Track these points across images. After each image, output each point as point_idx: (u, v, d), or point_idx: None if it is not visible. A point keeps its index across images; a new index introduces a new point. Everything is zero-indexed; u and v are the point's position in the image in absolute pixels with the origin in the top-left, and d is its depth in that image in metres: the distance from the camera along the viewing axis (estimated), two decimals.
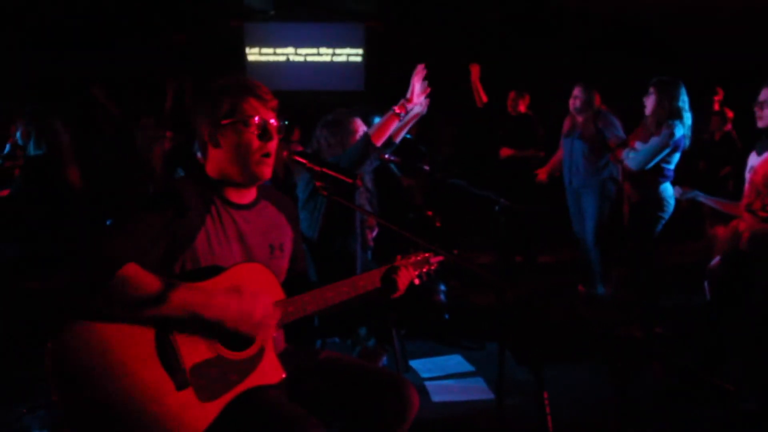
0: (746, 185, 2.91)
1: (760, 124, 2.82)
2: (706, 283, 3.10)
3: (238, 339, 1.57)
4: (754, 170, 2.86)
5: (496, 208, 2.53)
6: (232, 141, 1.65)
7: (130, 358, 1.43)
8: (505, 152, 5.54)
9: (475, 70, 5.53)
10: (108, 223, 1.54)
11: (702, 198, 3.26)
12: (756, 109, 2.83)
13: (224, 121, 1.64)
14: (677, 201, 3.76)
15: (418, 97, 2.72)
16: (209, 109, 1.66)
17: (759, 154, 2.87)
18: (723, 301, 2.99)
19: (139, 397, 1.43)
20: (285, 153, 1.76)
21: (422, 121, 3.05)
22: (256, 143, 1.66)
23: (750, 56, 6.20)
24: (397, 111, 2.72)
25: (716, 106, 5.50)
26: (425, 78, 2.72)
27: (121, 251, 1.43)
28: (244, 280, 1.61)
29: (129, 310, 1.42)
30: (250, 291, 1.56)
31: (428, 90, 2.74)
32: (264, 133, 1.67)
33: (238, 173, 1.67)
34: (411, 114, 2.79)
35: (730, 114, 5.64)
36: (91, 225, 1.56)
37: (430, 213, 4.13)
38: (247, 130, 1.65)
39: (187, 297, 1.47)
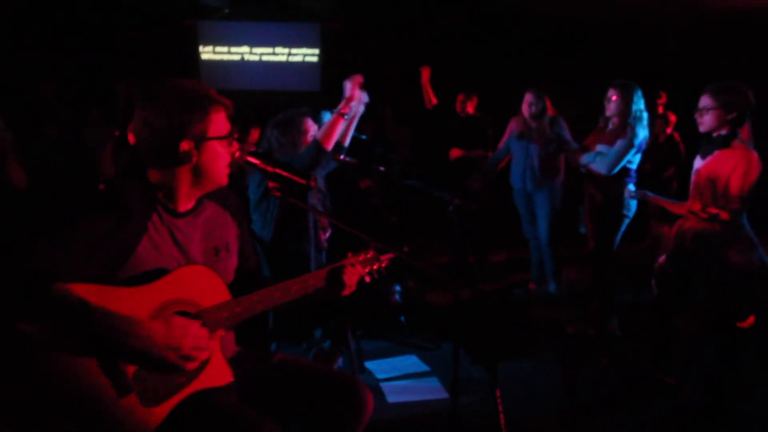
0: (691, 187, 3.02)
1: (702, 129, 2.93)
2: (653, 281, 3.19)
3: (164, 368, 1.49)
4: (697, 173, 2.97)
5: (450, 208, 2.55)
6: (210, 155, 1.62)
7: (66, 368, 1.38)
8: (455, 153, 5.59)
9: (425, 73, 5.58)
10: (48, 225, 1.46)
11: (651, 197, 3.36)
12: (696, 115, 2.93)
13: (209, 138, 1.60)
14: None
15: (355, 93, 2.81)
16: (189, 123, 1.57)
17: (703, 157, 2.98)
18: (669, 297, 3.09)
19: (80, 404, 1.38)
20: (237, 153, 1.71)
21: (377, 121, 3.10)
22: (226, 155, 1.65)
23: (693, 61, 6.45)
24: (342, 111, 2.77)
25: (660, 110, 5.69)
26: (361, 84, 2.83)
27: (52, 269, 1.36)
28: (186, 284, 1.57)
29: (50, 332, 1.36)
30: (180, 322, 1.49)
31: (360, 87, 2.84)
32: (233, 146, 1.67)
33: (202, 183, 1.64)
34: (351, 113, 2.84)
35: (672, 117, 5.85)
36: (33, 227, 1.47)
37: (385, 212, 4.14)
38: (221, 143, 1.63)
39: (109, 324, 1.39)
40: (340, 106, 2.81)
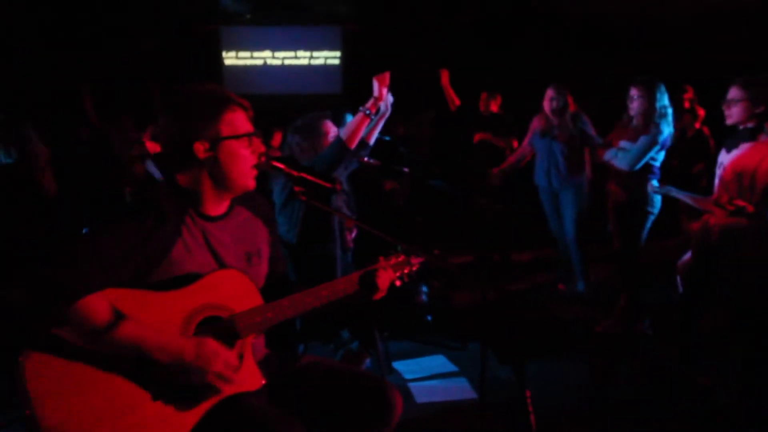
0: (716, 181, 2.97)
1: (729, 121, 2.89)
2: (678, 278, 3.15)
3: (187, 388, 1.50)
4: (723, 167, 2.92)
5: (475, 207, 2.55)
6: (230, 157, 1.63)
7: (101, 370, 1.41)
8: (479, 136, 5.55)
9: (444, 75, 5.56)
10: (84, 232, 1.49)
11: (674, 193, 3.31)
12: (724, 107, 2.89)
13: (224, 137, 1.61)
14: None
15: (383, 93, 2.79)
16: (203, 124, 1.60)
17: (728, 151, 2.93)
18: (695, 295, 3.05)
19: (113, 408, 1.41)
20: (262, 159, 1.73)
21: (401, 122, 3.10)
22: (249, 157, 1.66)
23: (722, 56, 6.32)
24: (369, 109, 2.76)
25: (686, 104, 5.59)
26: (389, 84, 2.82)
27: (86, 278, 1.39)
28: (219, 288, 1.59)
29: (81, 340, 1.39)
30: (212, 347, 1.50)
31: (387, 90, 2.83)
32: (254, 147, 1.67)
33: (228, 185, 1.65)
34: (379, 114, 2.84)
35: (701, 112, 5.73)
36: (66, 233, 1.51)
37: (410, 214, 4.14)
38: (241, 143, 1.64)
39: (140, 336, 1.42)
40: (368, 104, 2.80)
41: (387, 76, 2.80)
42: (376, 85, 2.81)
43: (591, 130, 4.44)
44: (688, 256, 3.13)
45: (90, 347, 1.40)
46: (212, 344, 1.52)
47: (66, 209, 3.11)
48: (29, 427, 1.35)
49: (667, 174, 3.91)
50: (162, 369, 1.46)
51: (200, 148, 1.61)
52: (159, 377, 1.47)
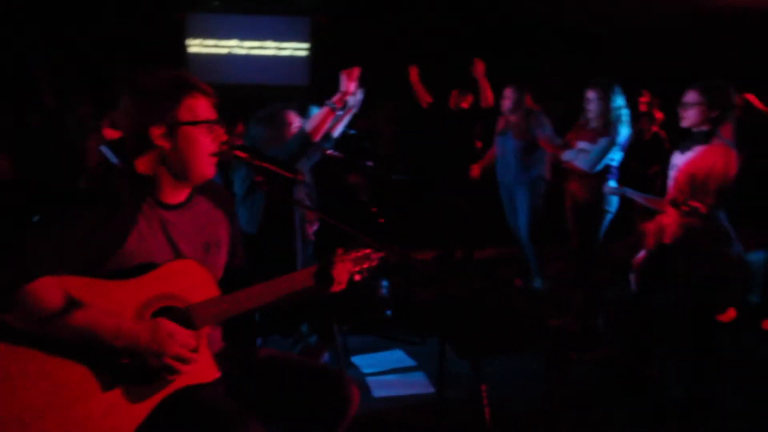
0: (670, 182, 3.06)
1: (684, 124, 2.98)
2: (631, 276, 3.24)
3: (143, 371, 1.48)
4: (677, 168, 3.01)
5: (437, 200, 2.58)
6: (187, 142, 1.59)
7: (50, 359, 1.37)
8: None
9: (413, 72, 5.56)
10: (35, 219, 1.45)
11: (630, 194, 3.41)
12: (680, 110, 2.97)
13: (182, 122, 1.58)
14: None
15: (351, 87, 2.78)
16: (161, 108, 1.58)
17: (682, 152, 3.02)
18: (648, 292, 3.14)
19: (61, 398, 1.37)
20: (224, 147, 1.71)
21: (366, 116, 3.10)
22: (209, 145, 1.63)
23: (682, 60, 6.49)
24: (335, 104, 2.75)
25: (643, 108, 5.72)
26: (357, 80, 2.80)
27: (35, 261, 1.35)
28: (175, 278, 1.57)
29: (30, 326, 1.35)
30: (168, 328, 1.47)
31: (355, 85, 2.81)
32: (215, 134, 1.65)
33: (186, 172, 1.62)
34: (346, 108, 2.83)
35: (658, 115, 5.89)
36: (17, 218, 1.45)
37: (374, 209, 4.14)
38: (200, 130, 1.61)
39: (94, 322, 1.38)
40: (334, 98, 2.78)
41: (356, 71, 2.79)
42: (343, 79, 2.79)
43: (546, 129, 4.52)
44: (642, 254, 3.22)
45: (39, 333, 1.36)
46: (168, 325, 1.49)
47: (19, 194, 3.00)
48: None
49: (625, 175, 4.01)
50: (116, 355, 1.43)
51: (156, 133, 1.58)
52: (113, 364, 1.44)
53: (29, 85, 4.99)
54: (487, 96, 5.33)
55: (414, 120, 6.06)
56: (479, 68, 5.29)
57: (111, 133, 4.01)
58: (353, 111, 2.93)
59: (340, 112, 2.82)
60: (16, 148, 3.87)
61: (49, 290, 1.36)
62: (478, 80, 5.25)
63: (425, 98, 5.58)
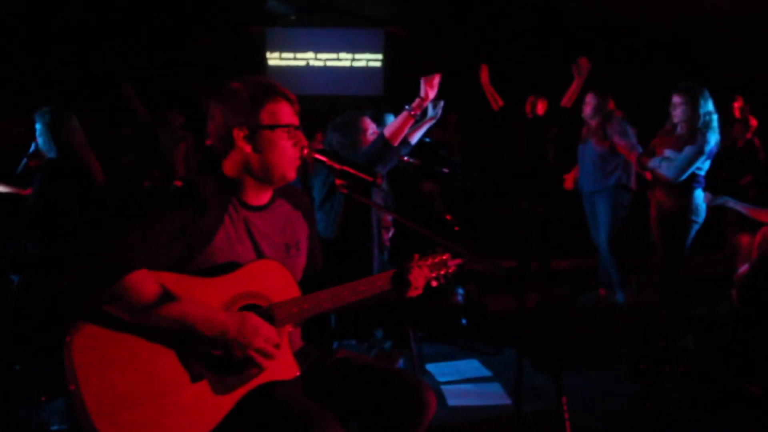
0: None
1: None
2: (733, 291, 3.04)
3: (230, 361, 1.53)
4: None
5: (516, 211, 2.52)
6: (270, 146, 1.65)
7: (145, 349, 1.44)
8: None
9: (484, 73, 5.47)
10: (125, 218, 1.53)
11: (731, 204, 3.20)
12: None
13: (264, 126, 1.64)
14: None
15: (430, 94, 2.78)
16: (245, 112, 1.64)
17: None
18: (752, 307, 2.94)
19: (153, 387, 1.43)
20: (304, 150, 1.74)
21: (441, 124, 3.08)
22: (290, 149, 1.68)
23: None
24: (414, 109, 2.75)
25: (737, 113, 5.42)
26: (437, 87, 2.79)
27: (132, 255, 1.43)
28: (258, 278, 1.61)
29: (128, 315, 1.42)
30: (254, 321, 1.52)
31: (434, 93, 2.80)
32: (297, 140, 1.69)
33: (268, 175, 1.67)
34: (427, 117, 2.83)
35: (753, 122, 5.55)
36: (111, 217, 1.55)
37: (449, 217, 4.11)
38: (281, 134, 1.66)
39: (187, 311, 1.45)
40: (413, 104, 2.78)
41: (436, 78, 2.78)
42: (423, 85, 2.79)
43: (626, 136, 4.33)
44: (744, 267, 3.03)
45: (137, 322, 1.43)
46: (254, 319, 1.54)
47: (113, 196, 3.17)
48: (72, 401, 1.38)
49: (715, 184, 3.80)
50: (205, 344, 1.48)
51: (239, 135, 1.64)
52: (202, 353, 1.50)
53: (122, 97, 5.30)
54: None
55: (486, 127, 5.99)
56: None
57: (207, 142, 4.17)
58: (434, 121, 2.92)
59: (418, 118, 2.81)
60: (110, 156, 4.11)
61: (146, 281, 1.43)
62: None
63: (497, 101, 5.50)
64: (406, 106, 2.76)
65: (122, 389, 1.40)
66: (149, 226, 1.49)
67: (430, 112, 2.83)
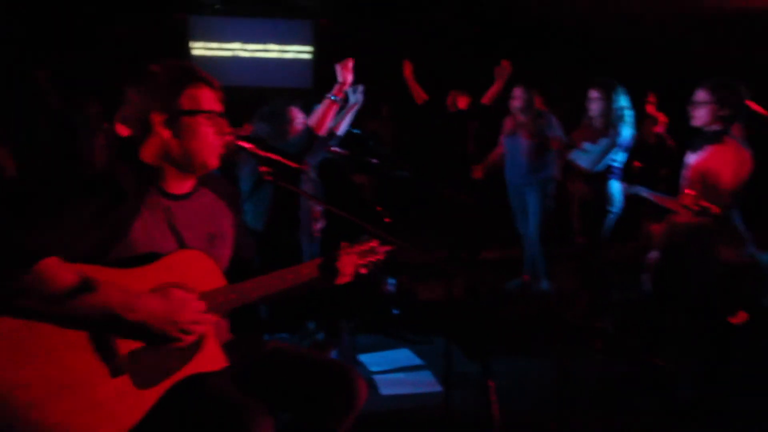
0: (682, 181, 3.03)
1: (694, 123, 2.95)
2: (644, 276, 3.21)
3: (162, 341, 1.48)
4: (688, 167, 2.99)
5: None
6: (189, 132, 1.58)
7: (60, 343, 1.35)
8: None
9: (407, 68, 5.54)
10: (35, 205, 1.43)
11: (644, 192, 3.37)
12: (690, 109, 2.95)
13: (184, 111, 1.57)
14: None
15: (348, 78, 2.86)
16: (164, 96, 1.57)
17: (693, 152, 2.99)
18: (661, 292, 3.11)
19: (69, 384, 1.35)
20: (229, 138, 1.69)
21: (369, 116, 3.13)
22: (211, 136, 1.62)
23: (689, 59, 6.48)
24: (335, 95, 2.78)
25: (649, 109, 5.71)
26: (352, 70, 2.88)
27: (43, 241, 1.34)
28: (181, 268, 1.55)
29: (44, 306, 1.33)
30: (178, 295, 1.48)
31: (351, 76, 2.88)
32: (219, 127, 1.63)
33: (188, 162, 1.61)
34: (349, 104, 2.85)
35: (662, 118, 5.87)
36: (20, 206, 1.44)
37: (379, 208, 4.11)
38: (202, 120, 1.60)
39: (107, 297, 1.37)
40: (333, 90, 2.82)
41: (350, 62, 2.85)
42: (339, 70, 2.85)
43: (556, 130, 4.51)
44: (654, 254, 3.19)
45: (50, 313, 1.34)
46: (179, 293, 1.49)
47: (24, 186, 2.99)
48: None
49: (630, 177, 4.00)
50: (128, 330, 1.41)
51: (157, 120, 1.57)
52: (127, 338, 1.43)
53: (33, 86, 4.99)
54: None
55: (412, 119, 6.05)
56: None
57: (123, 130, 3.99)
58: (356, 107, 2.94)
59: (339, 101, 2.85)
60: (21, 147, 3.86)
61: (60, 269, 1.34)
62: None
63: (420, 95, 5.56)
64: (327, 94, 2.78)
65: (34, 386, 1.31)
66: (61, 212, 1.40)
67: (351, 98, 2.87)
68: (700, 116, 2.91)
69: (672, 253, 3.04)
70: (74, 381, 1.36)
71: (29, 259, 1.31)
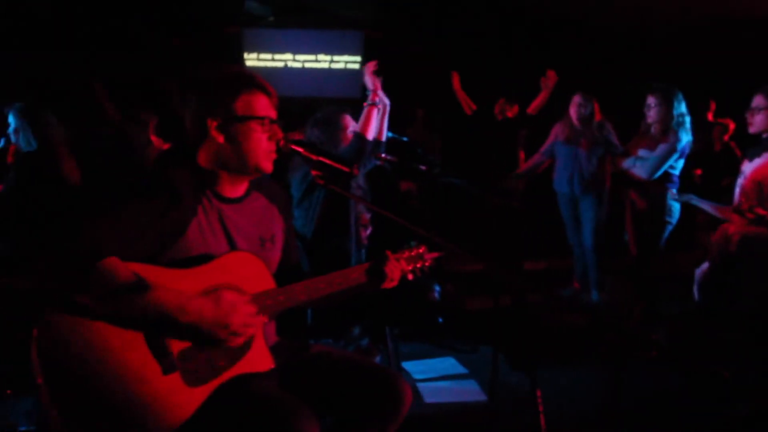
0: (737, 190, 2.93)
1: (751, 130, 2.86)
2: (695, 288, 3.11)
3: (212, 343, 1.51)
4: (745, 176, 2.89)
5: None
6: (243, 137, 1.62)
7: (115, 341, 1.41)
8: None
9: (455, 78, 5.55)
10: (96, 207, 1.50)
11: (695, 201, 3.28)
12: (747, 115, 2.85)
13: (238, 116, 1.61)
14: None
15: (378, 84, 2.96)
16: (220, 101, 1.61)
17: (750, 160, 2.90)
18: (712, 304, 3.00)
19: (124, 380, 1.40)
20: (282, 142, 1.73)
21: (417, 124, 3.18)
22: (265, 142, 1.66)
23: (748, 64, 6.24)
24: (371, 99, 2.91)
25: (710, 117, 5.53)
26: (376, 72, 3.01)
27: (103, 242, 1.40)
28: (232, 270, 1.59)
29: (102, 303, 1.39)
30: (229, 298, 1.51)
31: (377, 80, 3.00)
32: (272, 132, 1.67)
33: (241, 166, 1.65)
34: (381, 104, 2.91)
35: (731, 125, 5.66)
36: (81, 208, 1.51)
37: (427, 215, 4.13)
38: (259, 128, 1.64)
39: (161, 298, 1.42)
40: (369, 97, 2.94)
41: (372, 65, 3.00)
42: (366, 79, 3.00)
43: (615, 139, 4.40)
44: (706, 265, 3.09)
45: (107, 311, 1.40)
46: (230, 295, 1.52)
47: (85, 192, 3.12)
48: (41, 395, 1.35)
49: (691, 186, 3.88)
50: (180, 331, 1.46)
51: (212, 124, 1.62)
52: (178, 339, 1.47)
53: (92, 98, 5.20)
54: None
55: (460, 128, 6.04)
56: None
57: (160, 142, 4.14)
58: (386, 110, 2.99)
59: (378, 104, 2.94)
60: (85, 157, 4.03)
61: (118, 268, 1.40)
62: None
63: (469, 105, 5.55)
64: (364, 103, 2.94)
65: (91, 382, 1.38)
66: (120, 214, 1.46)
67: (384, 98, 2.95)
68: (757, 123, 2.82)
69: (724, 263, 2.93)
70: (128, 377, 1.41)
71: (91, 258, 1.37)
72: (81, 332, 1.38)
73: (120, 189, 1.54)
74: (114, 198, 1.51)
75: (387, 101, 2.99)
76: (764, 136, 2.82)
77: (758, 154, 2.84)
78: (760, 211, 2.72)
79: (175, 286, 1.48)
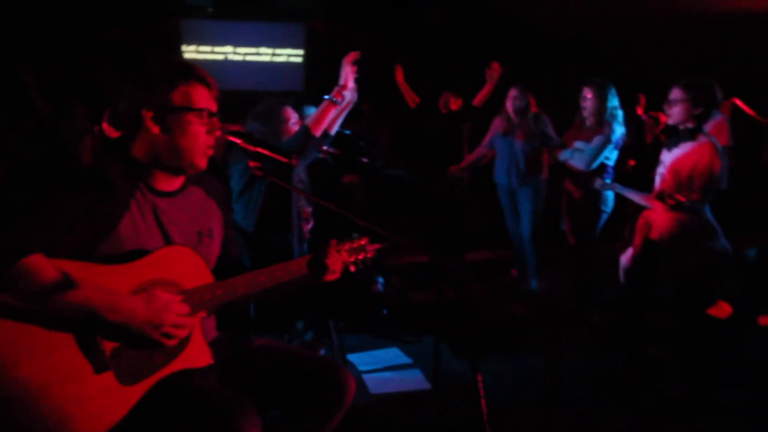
0: (657, 179, 3.07)
1: (669, 121, 2.99)
2: (620, 273, 3.25)
3: (144, 344, 1.47)
4: (664, 165, 3.03)
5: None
6: (180, 129, 1.57)
7: (44, 340, 1.36)
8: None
9: (399, 72, 5.59)
10: (20, 200, 1.43)
11: (619, 189, 3.42)
12: (666, 107, 2.99)
13: (174, 107, 1.57)
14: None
15: (350, 81, 2.78)
16: (156, 91, 1.56)
17: (669, 149, 3.03)
18: (636, 289, 3.15)
19: (52, 380, 1.35)
20: (218, 132, 1.70)
21: (362, 119, 3.11)
22: (203, 136, 1.61)
23: (686, 63, 6.53)
24: (334, 97, 2.74)
25: (639, 111, 5.74)
26: (356, 63, 2.80)
27: (27, 238, 1.34)
28: (168, 264, 1.55)
29: (26, 303, 1.33)
30: (161, 297, 1.47)
31: (355, 73, 2.81)
32: (211, 126, 1.63)
33: (176, 161, 1.60)
34: (344, 102, 2.83)
35: (663, 119, 5.90)
36: (5, 202, 1.44)
37: (369, 209, 4.14)
38: (196, 120, 1.59)
39: (88, 297, 1.37)
40: (333, 92, 2.77)
41: (354, 55, 2.78)
42: (344, 71, 2.78)
43: (551, 131, 4.52)
44: (629, 251, 3.23)
45: (33, 310, 1.34)
46: (163, 295, 1.48)
47: (11, 186, 2.98)
48: None
49: (623, 176, 4.04)
50: (110, 331, 1.41)
51: (147, 115, 1.57)
52: (109, 339, 1.42)
53: (21, 90, 4.96)
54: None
55: (405, 122, 6.09)
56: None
57: (111, 132, 3.97)
58: (351, 106, 2.92)
59: (339, 103, 2.81)
60: (12, 152, 3.85)
61: (44, 266, 1.34)
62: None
63: (412, 98, 5.60)
64: (325, 96, 2.75)
65: (17, 384, 1.32)
66: (47, 207, 1.40)
67: (347, 96, 2.83)
68: (674, 114, 2.95)
69: (646, 248, 3.08)
70: (57, 377, 1.36)
71: (13, 256, 1.31)
72: (5, 331, 1.32)
73: (46, 184, 1.48)
74: (39, 193, 1.44)
75: (355, 97, 2.90)
76: (681, 127, 2.95)
77: (676, 144, 2.98)
78: (679, 197, 2.88)
79: (107, 282, 1.43)
